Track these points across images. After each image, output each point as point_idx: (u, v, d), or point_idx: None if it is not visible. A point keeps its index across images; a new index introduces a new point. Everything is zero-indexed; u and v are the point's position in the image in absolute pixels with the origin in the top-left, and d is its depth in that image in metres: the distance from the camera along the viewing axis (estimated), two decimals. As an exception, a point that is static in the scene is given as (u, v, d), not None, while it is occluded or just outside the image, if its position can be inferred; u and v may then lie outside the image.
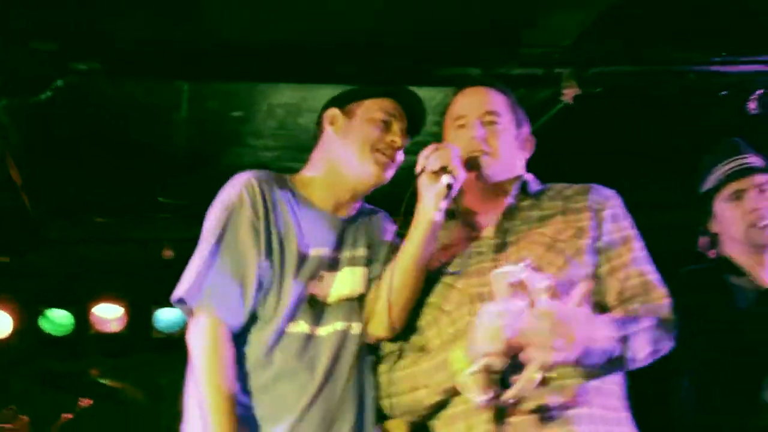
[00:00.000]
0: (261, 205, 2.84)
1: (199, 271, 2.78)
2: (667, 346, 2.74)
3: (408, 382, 2.85)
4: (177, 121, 4.74)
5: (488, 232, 2.94)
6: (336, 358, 2.87)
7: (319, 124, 3.11)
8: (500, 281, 2.61)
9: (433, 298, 2.92)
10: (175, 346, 7.20)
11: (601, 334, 2.55)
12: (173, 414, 5.72)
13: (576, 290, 2.54)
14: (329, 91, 4.38)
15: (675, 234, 7.07)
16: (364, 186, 3.01)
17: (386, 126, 3.00)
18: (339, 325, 2.90)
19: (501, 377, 2.48)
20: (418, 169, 2.80)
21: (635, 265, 2.83)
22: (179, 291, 2.79)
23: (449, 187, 2.74)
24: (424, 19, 3.83)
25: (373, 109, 3.02)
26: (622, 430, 2.76)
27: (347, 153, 2.98)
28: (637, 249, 2.88)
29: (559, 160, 5.57)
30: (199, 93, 4.41)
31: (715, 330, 3.29)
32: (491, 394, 2.56)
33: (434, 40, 3.99)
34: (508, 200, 2.95)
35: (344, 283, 2.94)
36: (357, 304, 2.95)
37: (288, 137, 4.96)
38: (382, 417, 3.00)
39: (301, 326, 2.84)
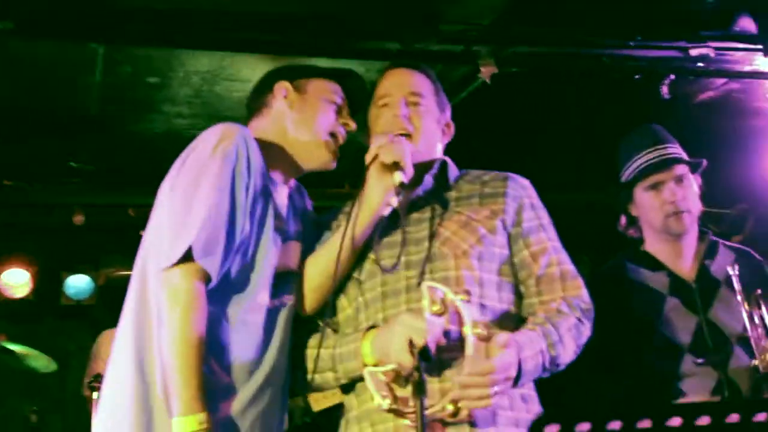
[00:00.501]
0: (253, 163, 2.77)
1: (203, 223, 2.64)
2: (587, 336, 2.84)
3: (326, 362, 2.88)
4: (91, 85, 4.65)
5: (405, 207, 2.94)
6: (283, 331, 2.88)
7: (261, 92, 3.06)
8: (428, 295, 2.64)
9: (356, 274, 2.94)
10: (83, 313, 7.12)
11: (533, 354, 2.65)
12: (79, 380, 5.69)
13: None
14: (247, 60, 4.37)
15: (589, 213, 7.23)
16: (311, 166, 3.01)
17: (339, 109, 3.01)
18: (287, 298, 2.91)
19: (418, 381, 2.45)
20: (369, 157, 2.80)
21: (554, 254, 2.91)
22: (186, 243, 2.62)
23: (401, 185, 2.74)
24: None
25: (325, 89, 3.02)
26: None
27: (301, 131, 2.97)
28: (555, 239, 2.96)
29: (474, 138, 5.63)
30: (114, 57, 4.33)
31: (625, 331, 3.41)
32: (388, 399, 2.60)
33: (355, 14, 3.99)
34: (427, 178, 2.97)
35: (290, 255, 2.94)
36: (296, 277, 2.95)
37: (203, 105, 4.92)
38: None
39: (265, 296, 2.82)
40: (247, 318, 2.77)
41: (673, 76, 4.38)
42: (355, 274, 2.94)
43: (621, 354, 3.40)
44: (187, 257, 2.61)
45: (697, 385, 3.31)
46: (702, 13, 4.10)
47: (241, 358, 2.76)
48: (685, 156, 3.56)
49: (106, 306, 6.72)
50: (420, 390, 2.40)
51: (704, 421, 1.94)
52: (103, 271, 7.06)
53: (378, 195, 2.80)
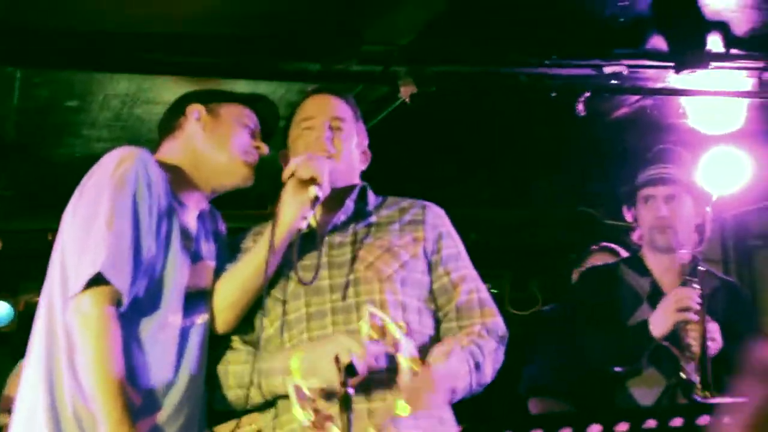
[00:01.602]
0: (153, 185, 2.78)
1: (108, 245, 2.64)
2: (501, 361, 2.98)
3: (241, 378, 2.91)
4: (8, 110, 4.60)
5: (326, 231, 3.02)
6: (197, 350, 2.89)
7: (174, 114, 3.08)
8: (368, 320, 2.67)
9: (269, 289, 2.97)
10: (3, 339, 7.01)
11: (461, 376, 2.79)
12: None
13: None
14: (167, 83, 4.36)
15: (510, 230, 7.32)
16: (229, 185, 3.03)
17: (252, 133, 3.05)
18: (200, 317, 2.92)
19: (344, 396, 2.48)
20: (286, 174, 2.86)
21: (473, 282, 3.05)
22: (93, 265, 2.61)
23: (316, 199, 2.82)
24: (266, 13, 3.83)
25: (239, 113, 3.06)
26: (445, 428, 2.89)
27: (216, 152, 2.99)
28: (471, 266, 3.10)
29: (395, 157, 5.67)
30: (31, 81, 4.28)
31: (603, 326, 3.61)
32: (311, 415, 2.62)
33: (276, 35, 4.00)
34: (348, 203, 3.04)
35: (201, 275, 2.96)
36: (209, 296, 2.97)
37: (123, 128, 4.89)
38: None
39: (176, 316, 2.83)
40: (159, 337, 2.78)
41: (588, 94, 4.47)
42: (278, 294, 2.96)
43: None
44: (95, 281, 2.61)
45: (644, 392, 3.50)
46: (615, 32, 4.18)
47: (155, 378, 2.76)
48: (685, 181, 3.79)
49: (26, 332, 6.61)
50: (346, 406, 2.43)
51: (623, 427, 2.00)
52: (23, 297, 6.97)
53: (294, 210, 2.85)
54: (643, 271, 3.78)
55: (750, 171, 5.63)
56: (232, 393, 2.93)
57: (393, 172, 5.85)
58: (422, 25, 3.92)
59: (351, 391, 2.47)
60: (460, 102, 4.81)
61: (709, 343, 3.37)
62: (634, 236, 3.91)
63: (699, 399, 3.01)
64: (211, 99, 3.08)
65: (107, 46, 3.88)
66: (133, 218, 2.71)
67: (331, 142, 3.02)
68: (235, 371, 2.93)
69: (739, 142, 5.58)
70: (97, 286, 2.61)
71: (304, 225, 2.87)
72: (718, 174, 5.69)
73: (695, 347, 3.37)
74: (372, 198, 3.12)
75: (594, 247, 5.00)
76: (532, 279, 7.55)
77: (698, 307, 3.44)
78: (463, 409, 2.94)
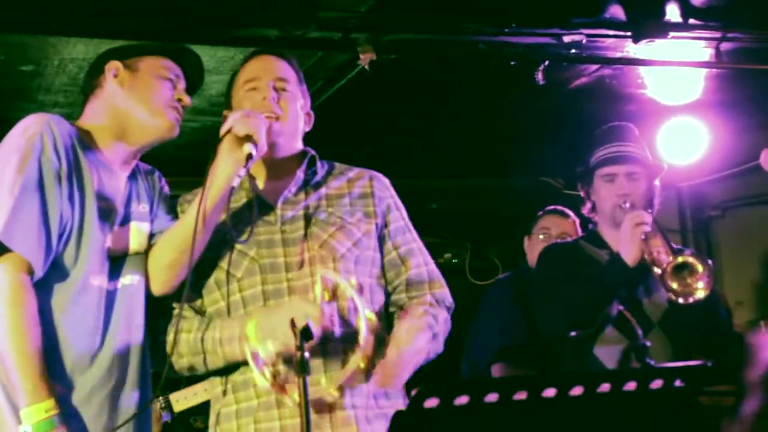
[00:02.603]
0: (62, 149, 2.77)
1: (10, 212, 2.65)
2: (449, 327, 3.08)
3: (195, 346, 2.92)
4: (-39, 74, 4.54)
5: (277, 202, 3.03)
6: (128, 312, 2.90)
7: (94, 74, 3.06)
8: (321, 283, 2.77)
9: (221, 262, 2.98)
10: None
11: (424, 350, 2.88)
12: None
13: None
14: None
15: (471, 199, 7.36)
16: (153, 139, 3.01)
17: (173, 85, 3.03)
18: (129, 279, 2.92)
19: (300, 360, 2.50)
20: (223, 130, 2.85)
21: (421, 255, 3.14)
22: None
23: (250, 156, 2.79)
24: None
25: (158, 66, 3.03)
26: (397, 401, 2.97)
27: (136, 107, 2.97)
28: (418, 239, 3.17)
29: (353, 125, 5.67)
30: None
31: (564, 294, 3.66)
32: (269, 378, 2.67)
33: (235, 2, 3.97)
34: (298, 173, 3.06)
35: (134, 238, 2.96)
36: (143, 258, 2.97)
37: (80, 93, 4.82)
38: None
39: (101, 278, 2.84)
40: (80, 300, 2.79)
41: (547, 63, 4.48)
42: (232, 270, 2.96)
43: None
44: (5, 249, 2.62)
45: (608, 353, 3.60)
46: (573, 1, 4.20)
47: (80, 341, 2.78)
48: (644, 157, 3.85)
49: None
50: (303, 369, 2.45)
51: (577, 390, 2.02)
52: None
53: (228, 167, 2.83)
54: (602, 244, 3.83)
55: (707, 141, 5.69)
56: (185, 360, 2.95)
57: (353, 140, 5.86)
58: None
59: (307, 354, 2.49)
60: (420, 70, 4.80)
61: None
62: (584, 209, 3.97)
63: (652, 363, 3.06)
64: (129, 54, 3.05)
65: (63, 9, 3.83)
66: (39, 184, 2.71)
67: (276, 103, 3.01)
68: (187, 339, 2.94)
69: (696, 113, 5.64)
70: (5, 255, 2.63)
71: (236, 183, 2.84)
72: (676, 144, 5.75)
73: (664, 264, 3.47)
74: (320, 167, 3.13)
75: (540, 212, 5.03)
76: (492, 248, 7.60)
77: (651, 221, 3.57)
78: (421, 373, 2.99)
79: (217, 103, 5.02)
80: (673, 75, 5.09)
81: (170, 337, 2.94)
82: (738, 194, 4.04)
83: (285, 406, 2.79)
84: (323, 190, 3.07)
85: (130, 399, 2.88)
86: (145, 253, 2.98)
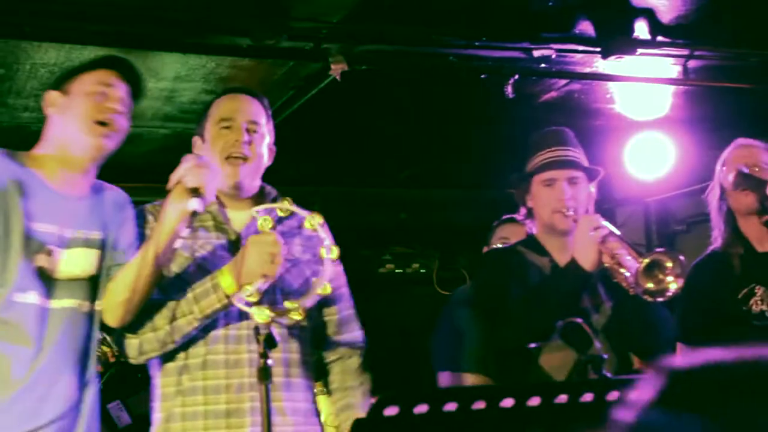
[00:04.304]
0: None
1: None
2: None
3: (167, 313, 3.07)
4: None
5: (234, 235, 3.23)
6: (64, 333, 2.96)
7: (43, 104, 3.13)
8: (263, 219, 3.07)
9: (188, 278, 3.13)
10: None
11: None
12: None
13: None
14: (97, 54, 4.31)
15: (441, 210, 7.37)
16: (87, 157, 3.04)
17: (103, 96, 3.03)
18: (69, 302, 2.98)
19: (264, 368, 2.67)
20: (174, 178, 2.93)
21: (349, 300, 3.44)
22: None
23: (194, 213, 2.91)
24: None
25: (87, 82, 3.05)
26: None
27: (68, 130, 3.02)
28: (345, 281, 3.42)
29: (323, 136, 5.69)
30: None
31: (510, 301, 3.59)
32: (271, 314, 2.85)
33: (207, 10, 3.99)
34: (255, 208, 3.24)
35: (75, 262, 3.00)
36: (89, 283, 3.03)
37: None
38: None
39: (30, 297, 2.89)
40: (6, 316, 2.86)
41: (517, 76, 4.52)
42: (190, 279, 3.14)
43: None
44: None
45: (556, 368, 3.52)
46: (543, 16, 4.23)
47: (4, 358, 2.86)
48: (583, 162, 3.75)
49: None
50: (265, 376, 2.66)
51: (535, 401, 2.05)
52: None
53: (175, 217, 2.92)
54: (542, 251, 3.73)
55: (674, 157, 5.75)
56: (161, 333, 3.08)
57: (323, 151, 5.89)
58: (353, 3, 3.93)
59: (270, 362, 2.64)
60: (391, 81, 4.83)
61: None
62: (519, 216, 3.89)
63: (609, 375, 3.06)
64: (64, 80, 3.10)
65: (35, 14, 3.83)
66: None
67: (248, 146, 3.22)
68: (160, 313, 3.08)
69: (664, 128, 5.70)
70: None
71: (185, 233, 2.98)
72: (644, 159, 5.81)
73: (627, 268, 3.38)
74: (271, 194, 3.37)
75: (496, 222, 5.04)
76: (460, 259, 7.63)
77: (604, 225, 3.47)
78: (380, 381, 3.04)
79: (188, 110, 5.04)
80: (641, 91, 5.14)
81: (144, 316, 3.08)
82: (703, 209, 4.06)
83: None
84: (279, 228, 3.25)
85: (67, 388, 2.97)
86: (92, 279, 3.04)
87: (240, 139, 3.21)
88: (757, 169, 3.75)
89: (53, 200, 3.00)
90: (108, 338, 4.15)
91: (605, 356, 3.04)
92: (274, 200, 3.32)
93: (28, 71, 4.47)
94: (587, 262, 3.44)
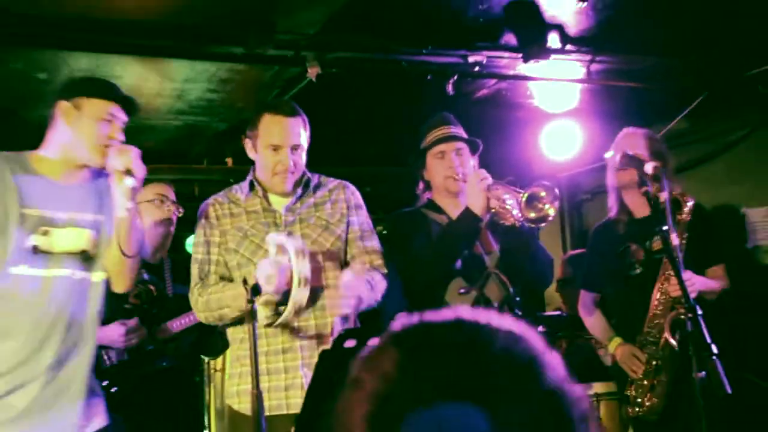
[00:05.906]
0: None
1: None
2: (385, 287, 3.31)
3: (217, 303, 3.16)
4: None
5: (276, 215, 3.30)
6: (61, 298, 2.90)
7: (52, 107, 2.99)
8: (271, 244, 3.02)
9: (241, 250, 3.23)
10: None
11: (364, 288, 3.09)
12: None
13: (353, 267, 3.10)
14: (119, 60, 4.29)
15: (394, 182, 7.37)
16: (89, 165, 2.99)
17: (109, 126, 2.94)
18: (62, 272, 2.90)
19: (251, 311, 2.81)
20: (108, 169, 2.86)
21: (371, 237, 3.41)
22: None
23: (133, 189, 2.83)
24: (202, 8, 3.82)
25: (99, 109, 2.92)
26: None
27: (76, 143, 2.92)
28: (369, 222, 3.43)
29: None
30: (4, 56, 4.17)
31: (415, 252, 3.57)
32: (269, 315, 2.96)
33: (206, 24, 3.97)
34: (297, 191, 3.33)
35: (67, 239, 2.92)
36: (80, 256, 2.95)
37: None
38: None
39: (22, 269, 2.83)
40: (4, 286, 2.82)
41: (455, 77, 4.53)
42: (246, 254, 3.24)
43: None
44: None
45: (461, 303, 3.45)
46: (476, 29, 4.25)
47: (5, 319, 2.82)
48: (464, 136, 3.76)
49: None
50: (252, 317, 2.82)
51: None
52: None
53: (119, 199, 2.86)
54: (439, 210, 3.72)
55: (581, 141, 5.78)
56: (216, 313, 3.19)
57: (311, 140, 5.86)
58: (326, 19, 3.93)
59: (255, 306, 2.81)
60: (357, 83, 4.83)
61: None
62: (418, 189, 3.85)
63: (520, 314, 3.05)
64: (78, 93, 2.95)
65: (67, 28, 3.81)
66: None
67: (294, 165, 3.25)
68: (213, 299, 3.19)
69: (573, 118, 5.73)
70: None
71: (130, 211, 2.88)
72: (557, 143, 5.84)
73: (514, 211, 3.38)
74: (312, 181, 3.38)
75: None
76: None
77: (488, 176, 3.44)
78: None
79: (196, 106, 5.02)
80: (554, 88, 5.16)
81: (199, 300, 3.21)
82: (604, 182, 4.10)
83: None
84: (311, 200, 3.34)
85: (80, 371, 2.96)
86: (83, 253, 2.96)
87: (286, 163, 3.23)
88: (638, 152, 3.77)
89: (49, 188, 2.92)
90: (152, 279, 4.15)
91: (518, 299, 3.05)
92: (316, 187, 3.38)
93: (65, 75, 4.43)
94: (477, 207, 3.41)
